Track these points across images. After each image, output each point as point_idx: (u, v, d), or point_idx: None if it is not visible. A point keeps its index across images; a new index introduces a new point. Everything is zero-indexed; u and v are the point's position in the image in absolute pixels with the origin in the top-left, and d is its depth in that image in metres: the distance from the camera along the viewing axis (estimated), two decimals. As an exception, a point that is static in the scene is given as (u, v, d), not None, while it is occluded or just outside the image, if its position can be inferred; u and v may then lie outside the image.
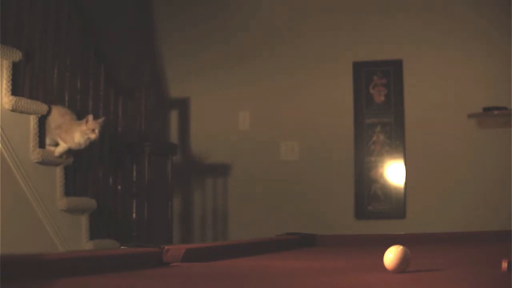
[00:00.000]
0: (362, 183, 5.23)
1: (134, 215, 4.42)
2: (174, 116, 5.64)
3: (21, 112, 3.55)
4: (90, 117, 3.80)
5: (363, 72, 5.30)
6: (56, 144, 3.79)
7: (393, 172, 5.19)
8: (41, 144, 3.71)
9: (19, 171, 3.53)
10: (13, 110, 3.51)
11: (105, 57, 4.38)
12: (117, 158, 4.45)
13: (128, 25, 5.61)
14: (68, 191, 3.88)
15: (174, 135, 5.57)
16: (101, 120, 3.87)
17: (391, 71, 5.26)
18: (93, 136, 3.79)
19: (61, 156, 3.79)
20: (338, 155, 5.27)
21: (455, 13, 5.15)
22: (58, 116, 3.81)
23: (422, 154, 5.16)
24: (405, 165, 5.17)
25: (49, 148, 3.76)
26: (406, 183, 5.16)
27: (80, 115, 3.91)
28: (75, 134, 3.78)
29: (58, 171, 3.80)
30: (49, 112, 3.76)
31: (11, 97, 3.48)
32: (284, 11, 5.48)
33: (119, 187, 4.43)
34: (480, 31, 5.08)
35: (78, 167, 4.07)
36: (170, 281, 1.67)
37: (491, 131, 5.02)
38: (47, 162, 3.70)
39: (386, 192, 5.20)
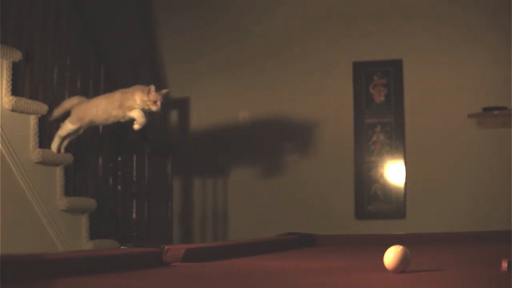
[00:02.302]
0: (362, 183, 5.23)
1: (134, 215, 4.42)
2: (174, 116, 5.64)
3: (21, 112, 3.55)
4: (152, 87, 3.46)
5: (363, 72, 5.30)
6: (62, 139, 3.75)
7: (393, 172, 5.19)
8: (41, 144, 3.71)
9: (19, 171, 3.53)
10: (13, 110, 3.51)
11: (105, 57, 4.38)
12: (117, 158, 4.45)
13: (128, 25, 5.61)
14: (68, 191, 3.88)
15: (174, 135, 5.57)
16: (165, 91, 3.55)
17: (391, 71, 5.26)
18: (154, 108, 3.45)
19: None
20: (338, 155, 5.27)
21: (455, 13, 5.15)
22: (101, 102, 3.66)
23: (422, 154, 5.16)
24: (405, 165, 5.17)
25: (53, 149, 3.74)
26: (406, 183, 5.15)
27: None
28: (136, 98, 3.46)
29: (58, 171, 3.80)
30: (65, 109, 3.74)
31: (11, 97, 3.49)
32: (283, 12, 5.47)
33: (119, 187, 4.43)
34: (480, 31, 5.08)
35: (78, 167, 4.07)
36: (170, 281, 1.66)
37: (491, 131, 5.01)
38: (47, 162, 3.70)
39: (386, 192, 5.19)
